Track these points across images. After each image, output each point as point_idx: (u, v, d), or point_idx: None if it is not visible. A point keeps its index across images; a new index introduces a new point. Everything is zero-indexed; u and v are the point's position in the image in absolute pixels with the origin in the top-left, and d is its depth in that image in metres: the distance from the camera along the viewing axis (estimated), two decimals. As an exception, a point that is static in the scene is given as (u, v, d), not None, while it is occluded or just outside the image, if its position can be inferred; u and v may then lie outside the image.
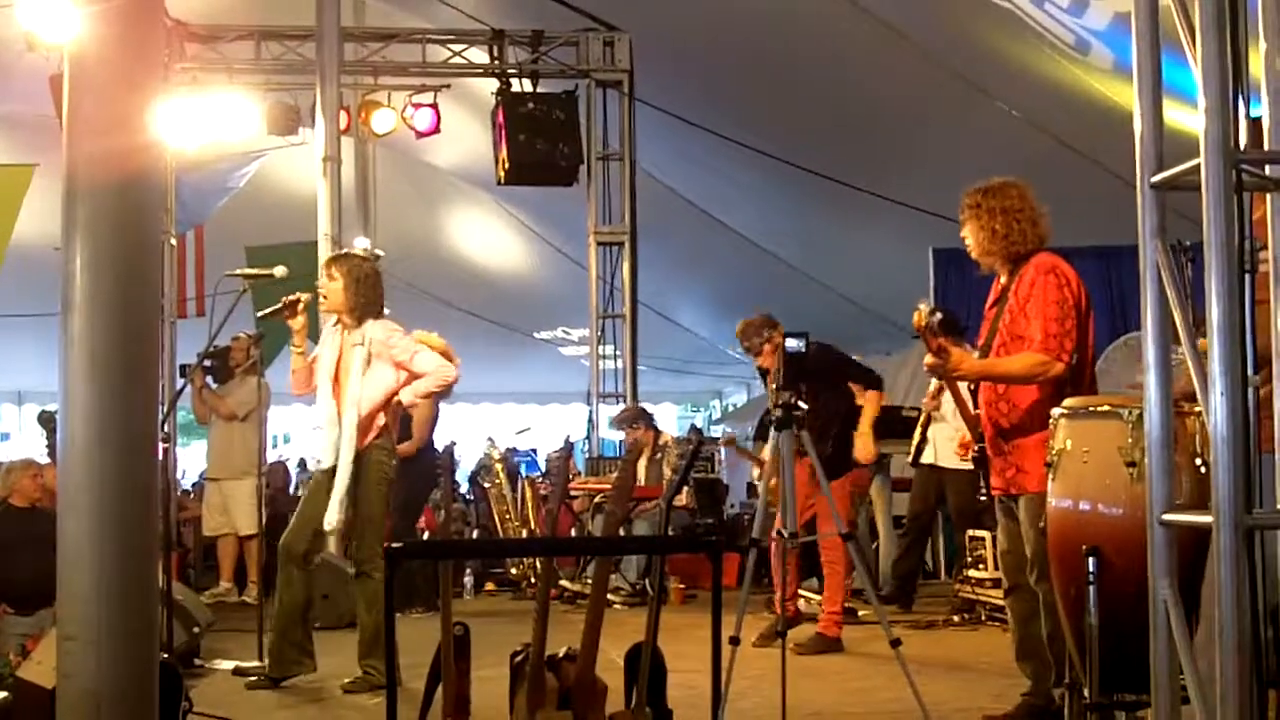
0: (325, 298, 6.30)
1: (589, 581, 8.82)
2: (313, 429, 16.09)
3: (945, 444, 8.61)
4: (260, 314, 6.55)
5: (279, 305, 6.42)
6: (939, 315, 4.77)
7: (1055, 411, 4.42)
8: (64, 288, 3.90)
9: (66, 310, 3.89)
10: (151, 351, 4.21)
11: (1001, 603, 6.01)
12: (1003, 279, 4.95)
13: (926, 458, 8.71)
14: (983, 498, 5.25)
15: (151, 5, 4.18)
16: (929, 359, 4.79)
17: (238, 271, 7.35)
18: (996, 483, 4.88)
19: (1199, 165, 3.09)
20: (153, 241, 4.20)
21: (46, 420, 7.58)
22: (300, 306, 6.34)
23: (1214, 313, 3.04)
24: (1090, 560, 4.01)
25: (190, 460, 17.99)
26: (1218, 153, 3.05)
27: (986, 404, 4.89)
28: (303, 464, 17.14)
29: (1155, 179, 3.35)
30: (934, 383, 8.77)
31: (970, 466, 8.40)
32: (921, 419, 8.72)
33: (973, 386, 4.95)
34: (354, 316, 6.26)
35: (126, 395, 3.92)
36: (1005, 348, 4.82)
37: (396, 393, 6.29)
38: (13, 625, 6.54)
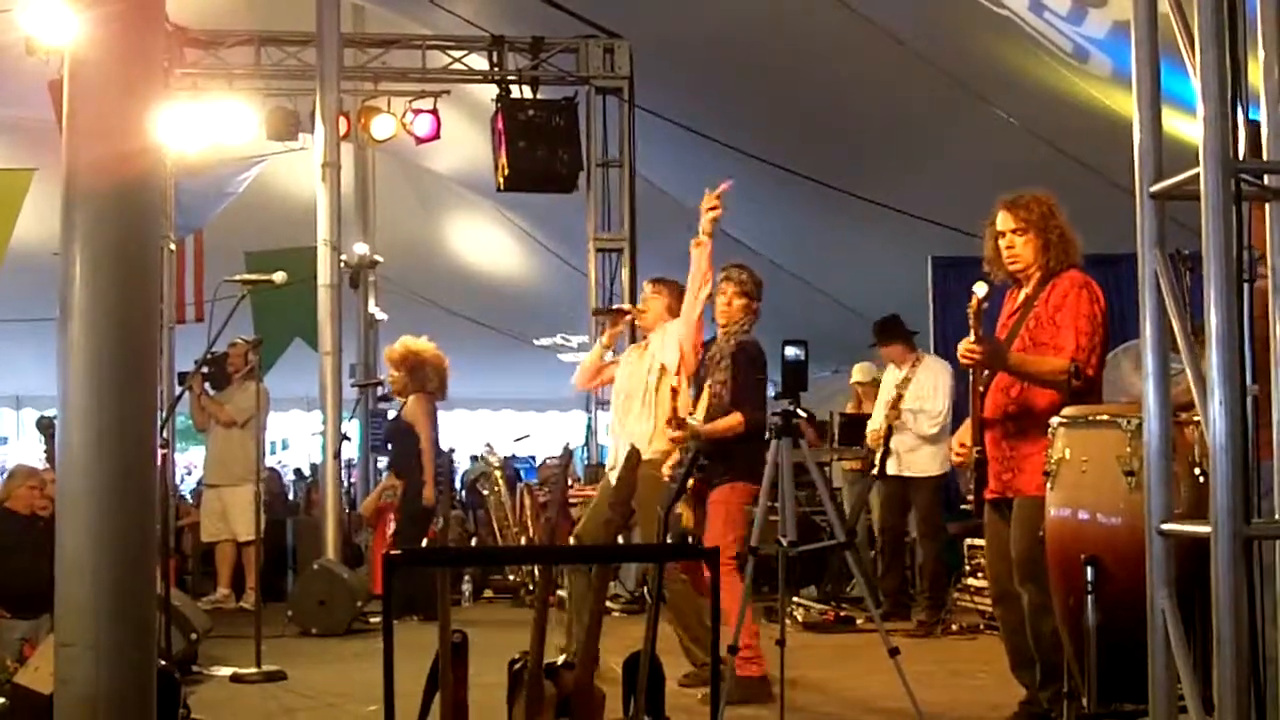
0: (644, 314, 6.68)
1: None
2: (311, 435, 16.08)
3: (908, 454, 8.56)
4: (595, 310, 7.02)
5: (614, 308, 6.91)
6: (988, 304, 4.74)
7: (1054, 420, 4.41)
8: (63, 292, 3.89)
9: (65, 315, 3.88)
10: (150, 357, 4.20)
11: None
12: (1026, 290, 4.93)
13: (891, 469, 8.59)
14: (968, 504, 5.18)
15: (152, 10, 4.18)
16: (970, 345, 4.73)
17: (237, 277, 7.33)
18: (993, 485, 4.85)
19: (1198, 175, 3.09)
20: (152, 247, 4.19)
21: (45, 426, 7.55)
22: (627, 318, 6.90)
23: (1213, 322, 3.03)
24: (1089, 569, 4.01)
25: (189, 464, 17.95)
26: (1217, 162, 3.05)
27: (996, 406, 4.85)
28: (299, 472, 17.07)
29: (1154, 188, 3.35)
30: (892, 391, 8.70)
31: (936, 473, 8.49)
32: (882, 429, 8.56)
33: (983, 389, 4.91)
34: None
35: (125, 400, 3.91)
36: (1026, 353, 4.80)
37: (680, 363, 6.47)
38: (10, 629, 6.52)
